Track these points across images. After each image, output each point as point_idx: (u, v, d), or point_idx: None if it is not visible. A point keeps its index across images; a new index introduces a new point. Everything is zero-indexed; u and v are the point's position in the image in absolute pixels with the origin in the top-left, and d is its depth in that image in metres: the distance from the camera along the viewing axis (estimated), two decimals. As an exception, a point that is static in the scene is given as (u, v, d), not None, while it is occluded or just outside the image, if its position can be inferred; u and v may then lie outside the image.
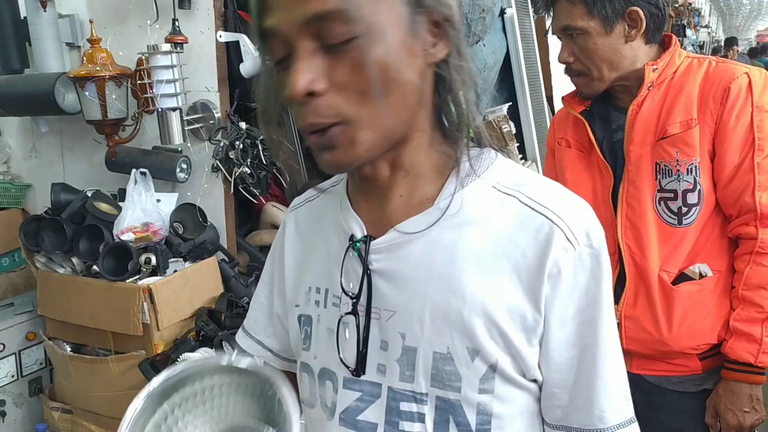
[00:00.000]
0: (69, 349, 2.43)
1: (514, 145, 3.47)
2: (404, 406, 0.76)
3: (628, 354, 1.50)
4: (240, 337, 1.02)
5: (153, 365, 2.25)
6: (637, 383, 1.52)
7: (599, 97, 1.50)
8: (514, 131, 3.53)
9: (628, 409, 0.78)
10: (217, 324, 2.30)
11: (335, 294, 0.82)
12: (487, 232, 0.74)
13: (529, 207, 0.74)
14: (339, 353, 0.80)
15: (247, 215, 2.81)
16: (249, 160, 2.52)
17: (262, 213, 2.75)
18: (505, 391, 0.75)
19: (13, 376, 2.55)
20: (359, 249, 0.78)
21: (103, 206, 2.42)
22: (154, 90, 2.34)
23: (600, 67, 1.42)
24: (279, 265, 0.94)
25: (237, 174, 2.49)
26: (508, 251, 0.73)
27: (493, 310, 0.72)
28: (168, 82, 2.35)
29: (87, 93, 2.39)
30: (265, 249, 2.76)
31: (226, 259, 2.53)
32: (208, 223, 2.50)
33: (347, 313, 0.79)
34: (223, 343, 2.22)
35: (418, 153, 0.76)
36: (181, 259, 2.40)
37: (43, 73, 2.60)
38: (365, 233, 0.79)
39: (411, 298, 0.75)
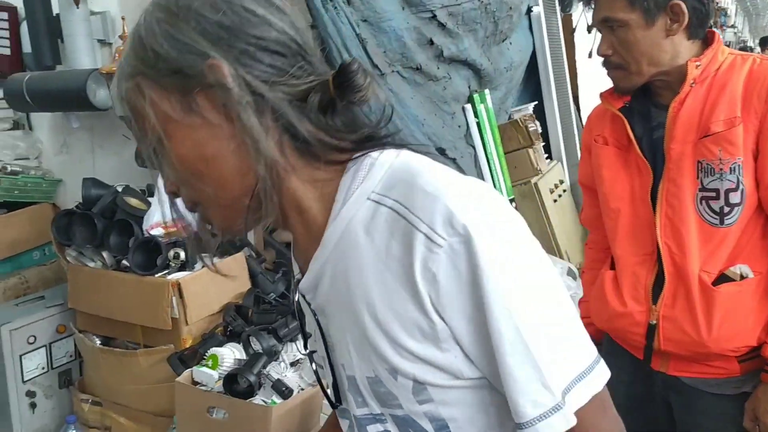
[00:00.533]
0: (99, 342, 2.45)
1: (539, 144, 3.45)
2: (371, 429, 0.80)
3: (665, 355, 1.48)
4: None
5: (181, 359, 2.27)
6: (674, 385, 1.50)
7: (639, 94, 1.48)
8: (540, 130, 3.51)
9: (548, 398, 0.69)
10: (245, 319, 2.31)
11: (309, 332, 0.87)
12: (369, 250, 0.71)
13: (396, 212, 0.69)
14: (323, 388, 0.86)
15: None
16: (277, 156, 2.52)
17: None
18: (445, 395, 0.73)
19: (43, 368, 2.58)
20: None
21: (133, 201, 2.44)
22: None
23: (639, 61, 1.40)
24: None
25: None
26: (388, 265, 0.70)
27: (390, 328, 0.70)
28: (198, 78, 2.36)
29: (118, 89, 2.41)
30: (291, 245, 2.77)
31: (254, 255, 2.54)
32: (236, 219, 2.51)
33: (310, 352, 0.86)
34: (250, 338, 2.23)
35: (294, 192, 0.75)
36: (208, 255, 2.40)
37: (75, 69, 2.63)
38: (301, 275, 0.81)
39: (338, 330, 0.77)
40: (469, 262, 0.66)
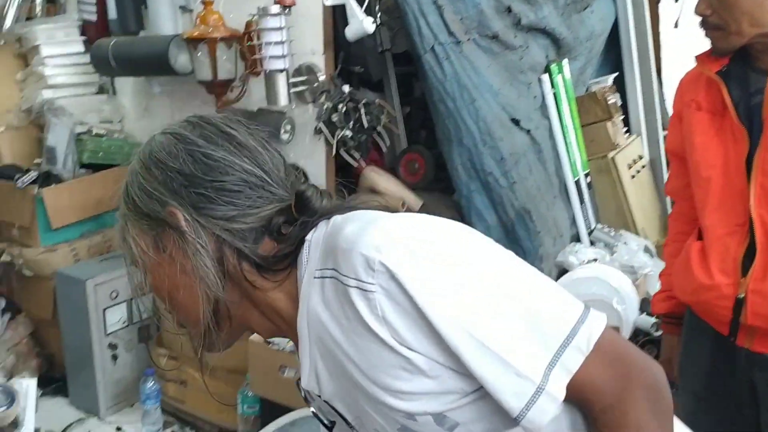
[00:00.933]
0: (176, 299, 2.54)
1: (618, 118, 3.33)
2: None
3: (752, 330, 1.42)
4: None
5: (255, 319, 2.33)
6: (758, 361, 1.44)
7: (737, 57, 1.40)
8: (619, 103, 3.39)
9: (526, 386, 0.70)
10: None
11: None
12: (333, 323, 0.75)
13: (334, 279, 0.74)
14: None
15: (346, 179, 2.84)
16: (351, 123, 2.53)
17: (361, 177, 2.76)
18: (468, 414, 0.75)
19: (124, 323, 2.70)
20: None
21: (211, 164, 2.50)
22: (262, 51, 2.39)
23: (740, 20, 1.32)
24: None
25: (339, 137, 2.51)
26: (350, 328, 0.73)
27: (383, 382, 0.73)
28: (276, 44, 2.38)
29: (199, 54, 2.46)
30: (362, 213, 2.79)
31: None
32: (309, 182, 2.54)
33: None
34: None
35: (268, 303, 0.82)
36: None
37: (158, 35, 2.70)
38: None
39: (353, 404, 0.80)
40: (402, 293, 0.69)
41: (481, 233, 0.80)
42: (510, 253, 0.78)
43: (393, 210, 0.84)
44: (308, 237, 0.79)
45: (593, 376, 0.72)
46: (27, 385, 2.08)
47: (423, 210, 2.73)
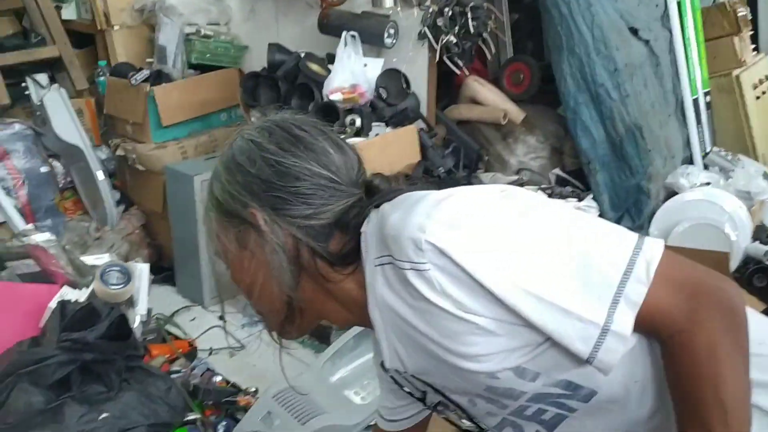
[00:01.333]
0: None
1: (747, 33, 3.06)
2: (527, 412, 0.85)
3: None
4: None
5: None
6: None
7: None
8: (749, 17, 3.11)
9: (591, 329, 0.71)
10: (414, 190, 2.34)
11: None
12: (402, 305, 0.78)
13: (391, 265, 0.78)
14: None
15: (447, 89, 2.78)
16: (456, 28, 2.45)
17: (462, 86, 2.70)
18: (545, 362, 0.77)
19: (227, 220, 2.82)
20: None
21: (314, 67, 2.50)
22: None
23: None
24: None
25: (443, 42, 2.44)
26: (418, 307, 0.76)
27: (458, 350, 0.76)
28: (384, -59, 2.31)
29: (306, -48, 2.42)
30: (462, 124, 2.74)
31: (425, 128, 2.53)
32: (411, 91, 2.51)
33: (434, 405, 0.96)
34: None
35: (344, 294, 0.86)
36: (383, 124, 2.44)
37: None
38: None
39: (438, 374, 0.85)
40: (453, 265, 0.72)
41: (524, 191, 0.82)
42: (552, 200, 0.77)
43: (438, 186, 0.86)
44: (363, 229, 0.83)
45: (659, 304, 0.72)
46: (141, 269, 2.23)
47: (524, 123, 2.64)
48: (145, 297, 2.18)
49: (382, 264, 0.79)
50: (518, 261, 0.73)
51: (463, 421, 0.94)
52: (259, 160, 0.84)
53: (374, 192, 0.86)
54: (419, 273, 0.74)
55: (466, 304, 0.73)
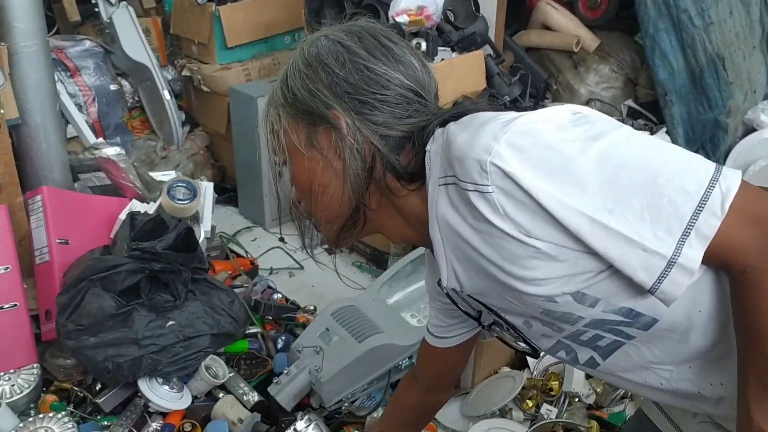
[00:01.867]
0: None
1: None
2: (584, 337, 0.84)
3: None
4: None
5: (413, 148, 2.35)
6: None
7: None
8: None
9: (656, 260, 0.69)
10: (478, 117, 2.29)
11: None
12: (464, 225, 0.77)
13: (455, 185, 0.76)
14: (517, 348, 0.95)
15: (516, 13, 2.67)
16: (531, -52, 2.33)
17: (534, 10, 2.59)
18: (606, 289, 0.76)
19: (289, 143, 2.84)
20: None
21: (381, -13, 2.43)
22: None
23: None
24: None
25: (517, -37, 2.33)
26: (480, 229, 0.75)
27: (519, 274, 0.75)
28: None
29: None
30: (531, 51, 2.64)
31: (493, 54, 2.45)
32: (480, 15, 2.42)
33: (489, 325, 0.96)
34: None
35: (409, 209, 0.85)
36: (449, 49, 2.37)
37: None
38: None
39: (495, 295, 0.84)
40: (517, 188, 0.70)
41: (605, 116, 0.77)
42: (624, 125, 0.75)
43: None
44: (428, 147, 0.81)
45: (732, 239, 0.69)
46: (206, 186, 2.28)
47: (598, 51, 2.53)
48: (209, 214, 2.24)
49: (446, 184, 0.78)
50: (585, 187, 0.70)
51: (519, 343, 0.93)
52: (348, 63, 0.82)
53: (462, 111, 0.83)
54: (482, 195, 0.72)
55: (528, 229, 0.72)
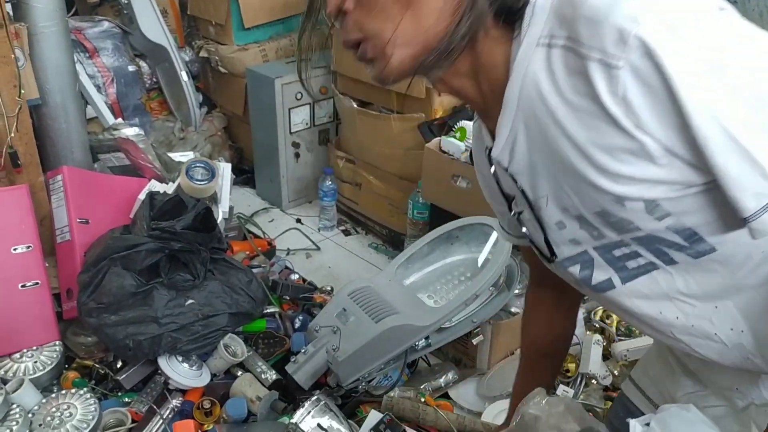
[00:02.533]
0: (356, 104, 2.60)
1: None
2: (618, 253, 0.79)
3: None
4: (501, 232, 1.04)
5: (430, 128, 2.34)
6: None
7: None
8: None
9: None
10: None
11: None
12: (555, 95, 0.69)
13: (567, 49, 0.66)
14: (534, 246, 0.88)
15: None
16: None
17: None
18: (683, 206, 0.70)
19: (306, 124, 2.84)
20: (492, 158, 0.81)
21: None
22: None
23: None
24: None
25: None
26: (578, 104, 0.67)
27: (602, 162, 0.69)
28: None
29: None
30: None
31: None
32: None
33: (514, 215, 0.87)
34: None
35: (489, 56, 0.74)
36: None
37: None
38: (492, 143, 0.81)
39: (549, 180, 0.76)
40: (656, 73, 0.61)
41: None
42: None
43: None
44: (532, 0, 0.71)
45: None
46: (224, 167, 2.29)
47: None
48: (227, 195, 2.25)
49: (551, 45, 0.68)
50: (733, 92, 0.62)
51: (538, 248, 0.86)
52: None
53: None
54: (606, 68, 0.63)
55: (643, 120, 0.64)
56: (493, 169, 0.84)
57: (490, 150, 0.80)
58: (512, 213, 0.87)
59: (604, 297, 0.84)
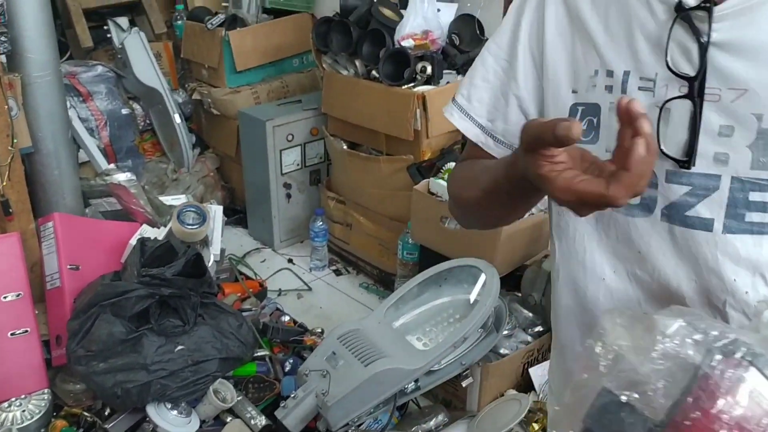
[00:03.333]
0: (345, 146, 2.64)
1: None
2: (754, 197, 0.68)
3: None
4: (453, 114, 0.88)
5: (419, 170, 2.37)
6: None
7: None
8: None
9: None
10: (483, 140, 2.31)
11: (644, 76, 0.72)
12: None
13: None
14: (660, 144, 0.70)
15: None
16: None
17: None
18: None
19: (298, 165, 2.87)
20: (691, 19, 0.67)
21: (387, 12, 2.47)
22: None
23: None
24: (532, 38, 0.81)
25: (520, -13, 2.35)
26: None
27: None
28: None
29: None
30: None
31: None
32: (485, 38, 2.44)
33: (678, 97, 0.68)
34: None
35: None
36: (454, 72, 2.40)
37: None
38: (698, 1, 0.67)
39: (749, 71, 0.65)
40: None
41: None
42: None
43: None
44: None
45: None
46: (215, 210, 2.31)
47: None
48: (218, 237, 2.26)
49: None
50: None
51: (666, 146, 0.71)
52: None
53: None
54: None
55: None
56: (670, 25, 0.68)
57: (688, 7, 0.67)
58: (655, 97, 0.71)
59: (676, 232, 0.72)
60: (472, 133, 0.86)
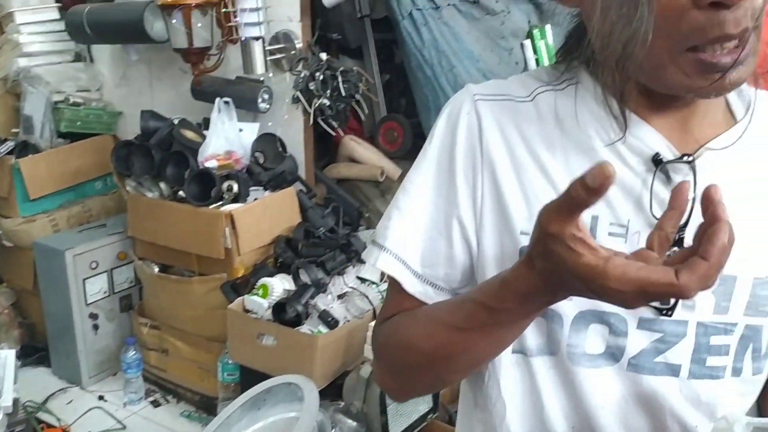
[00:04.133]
0: (157, 269, 2.55)
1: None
2: (714, 340, 0.69)
3: None
4: (384, 260, 0.76)
5: (234, 288, 2.34)
6: None
7: None
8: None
9: None
10: (294, 252, 2.35)
11: (615, 222, 0.69)
12: None
13: None
14: None
15: (325, 148, 2.83)
16: (328, 91, 2.51)
17: (340, 146, 2.76)
18: None
19: (105, 293, 2.71)
20: (668, 171, 0.68)
21: (189, 134, 2.48)
22: (237, 18, 2.36)
23: None
24: (467, 168, 0.74)
25: (316, 105, 2.49)
26: None
27: None
28: (252, 10, 2.36)
29: (174, 21, 2.43)
30: (342, 182, 2.79)
31: (304, 189, 2.56)
32: (288, 154, 2.54)
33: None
34: (299, 270, 2.27)
35: None
36: (261, 188, 2.45)
37: (133, 1, 2.65)
38: (676, 154, 0.68)
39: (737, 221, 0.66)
40: None
41: None
42: None
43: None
44: None
45: None
46: (5, 357, 2.09)
47: (401, 179, 2.72)
48: (10, 387, 2.03)
49: None
50: None
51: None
52: None
53: None
54: None
55: None
56: (651, 177, 0.68)
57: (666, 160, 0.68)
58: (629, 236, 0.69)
59: (642, 381, 0.70)
60: (408, 281, 0.76)
